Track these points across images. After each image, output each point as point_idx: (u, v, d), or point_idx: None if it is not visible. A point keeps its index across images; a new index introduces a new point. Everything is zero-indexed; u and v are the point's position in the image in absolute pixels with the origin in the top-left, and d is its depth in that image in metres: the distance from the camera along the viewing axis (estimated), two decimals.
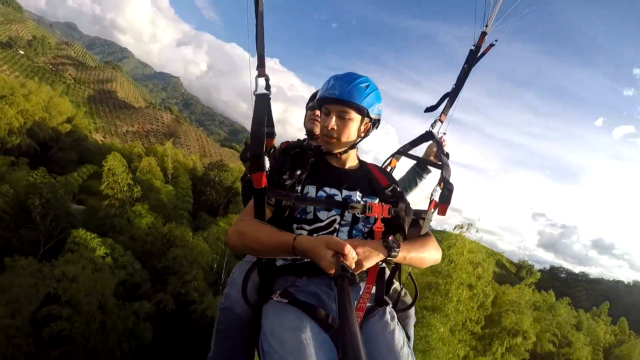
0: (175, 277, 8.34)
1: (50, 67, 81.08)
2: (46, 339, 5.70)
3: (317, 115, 2.05)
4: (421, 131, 2.04)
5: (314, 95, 2.20)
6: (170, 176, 19.36)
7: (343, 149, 1.49)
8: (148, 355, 6.29)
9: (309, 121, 2.18)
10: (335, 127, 1.42)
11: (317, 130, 2.07)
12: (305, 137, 2.23)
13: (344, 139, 1.45)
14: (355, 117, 1.44)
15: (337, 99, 1.40)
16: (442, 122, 1.99)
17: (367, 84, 1.44)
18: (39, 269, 5.96)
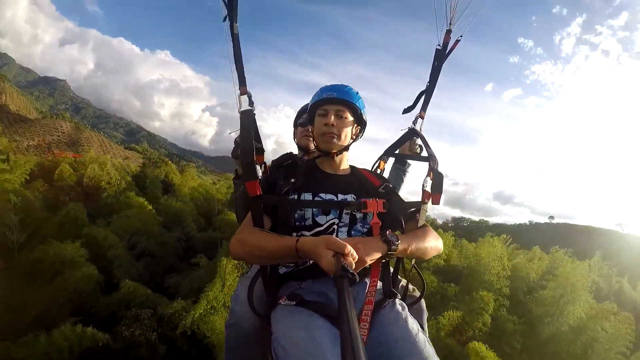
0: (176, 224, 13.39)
1: None
2: (136, 256, 10.59)
3: (311, 131, 1.95)
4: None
5: (301, 112, 2.38)
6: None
7: (339, 149, 1.60)
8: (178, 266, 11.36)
9: (302, 137, 2.31)
10: (335, 124, 1.53)
11: (313, 146, 2.03)
12: (295, 153, 2.20)
13: (342, 136, 1.56)
14: (350, 118, 1.58)
15: (336, 98, 1.54)
16: (422, 118, 2.00)
17: (356, 91, 1.60)
18: (112, 222, 10.87)
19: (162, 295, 8.40)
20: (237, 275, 7.19)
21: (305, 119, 2.30)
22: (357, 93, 1.60)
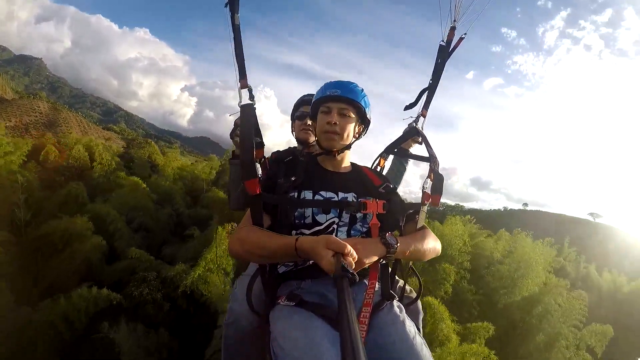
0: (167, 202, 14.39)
1: None
2: (133, 230, 11.51)
3: (309, 124, 2.16)
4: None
5: (298, 104, 2.34)
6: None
7: (341, 147, 1.61)
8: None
9: (301, 131, 2.29)
10: (337, 122, 1.54)
11: (312, 139, 2.20)
12: (296, 146, 2.34)
13: (345, 135, 1.58)
14: (354, 117, 1.59)
15: (340, 96, 1.54)
16: (424, 117, 2.01)
17: (361, 88, 1.59)
18: (110, 199, 11.78)
19: (163, 262, 9.48)
20: None
21: (302, 112, 2.30)
22: (362, 90, 1.60)
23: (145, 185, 13.04)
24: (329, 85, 1.59)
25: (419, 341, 1.27)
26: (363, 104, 1.58)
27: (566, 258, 21.84)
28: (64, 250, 8.75)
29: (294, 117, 2.37)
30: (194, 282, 7.49)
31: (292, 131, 2.40)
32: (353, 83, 1.61)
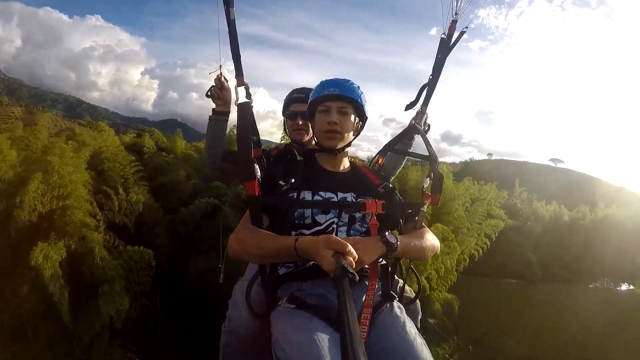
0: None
1: None
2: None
3: (300, 124, 2.07)
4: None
5: (288, 102, 2.18)
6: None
7: (343, 146, 1.55)
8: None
9: (293, 131, 2.18)
10: (338, 121, 1.48)
11: (306, 138, 2.13)
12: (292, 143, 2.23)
13: (345, 133, 1.52)
14: (353, 115, 1.53)
15: (339, 95, 1.48)
16: (424, 114, 2.00)
17: (357, 85, 1.54)
18: (179, 167, 19.02)
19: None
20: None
21: (293, 112, 2.13)
22: (359, 87, 1.55)
23: (196, 155, 20.28)
24: (326, 84, 1.53)
25: (420, 342, 1.23)
26: (361, 101, 1.52)
27: (517, 197, 26.75)
28: (172, 192, 15.81)
29: (284, 114, 2.23)
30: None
31: (284, 128, 2.31)
32: (349, 81, 1.55)
